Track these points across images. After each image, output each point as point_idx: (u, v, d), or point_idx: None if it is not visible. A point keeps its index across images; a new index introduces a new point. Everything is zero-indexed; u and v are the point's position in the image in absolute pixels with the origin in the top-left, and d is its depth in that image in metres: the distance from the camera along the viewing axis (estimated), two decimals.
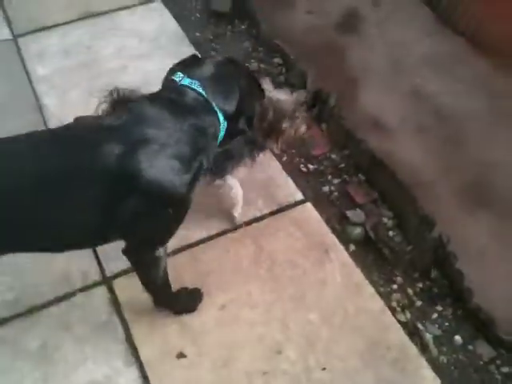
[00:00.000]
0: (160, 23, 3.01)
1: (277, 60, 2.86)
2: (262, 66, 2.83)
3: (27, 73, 2.71)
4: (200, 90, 1.54)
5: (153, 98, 1.57)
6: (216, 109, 1.56)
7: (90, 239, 1.60)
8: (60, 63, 2.73)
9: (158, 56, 2.80)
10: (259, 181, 2.33)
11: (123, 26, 2.95)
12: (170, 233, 1.65)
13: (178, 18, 3.03)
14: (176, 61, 1.66)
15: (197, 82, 1.55)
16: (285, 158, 2.45)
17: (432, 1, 3.22)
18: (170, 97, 1.54)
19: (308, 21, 3.17)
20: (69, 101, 2.59)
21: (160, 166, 1.46)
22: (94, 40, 2.85)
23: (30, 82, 2.68)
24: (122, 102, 1.87)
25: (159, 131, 1.47)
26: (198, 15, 3.11)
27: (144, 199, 1.47)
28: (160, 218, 1.56)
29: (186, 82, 1.55)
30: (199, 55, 1.79)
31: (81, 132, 1.52)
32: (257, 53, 2.90)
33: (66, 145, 1.46)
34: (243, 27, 3.05)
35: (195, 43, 2.91)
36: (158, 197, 1.49)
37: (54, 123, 2.43)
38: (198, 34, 2.99)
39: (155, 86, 1.61)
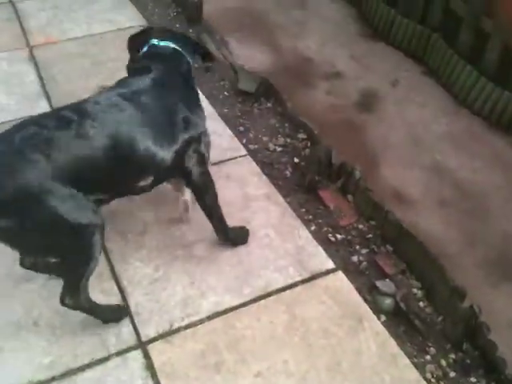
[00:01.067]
0: None
1: (301, 135, 2.99)
2: (288, 140, 2.96)
3: None
4: (173, 45, 2.33)
5: (147, 55, 2.31)
6: (185, 54, 2.35)
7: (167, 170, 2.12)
8: None
9: None
10: (290, 249, 2.37)
11: None
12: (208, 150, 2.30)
13: (207, 95, 3.17)
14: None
15: (169, 41, 2.33)
16: (313, 228, 2.51)
17: (447, 83, 3.41)
18: (158, 52, 2.31)
19: (328, 100, 3.35)
20: None
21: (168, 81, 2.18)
22: None
23: None
24: None
25: (162, 67, 2.21)
26: (226, 93, 3.28)
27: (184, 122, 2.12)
28: (197, 136, 2.18)
29: (162, 43, 2.33)
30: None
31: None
32: (283, 128, 3.04)
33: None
34: (269, 105, 3.20)
35: (224, 118, 3.05)
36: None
37: None
38: (225, 110, 3.14)
39: None
